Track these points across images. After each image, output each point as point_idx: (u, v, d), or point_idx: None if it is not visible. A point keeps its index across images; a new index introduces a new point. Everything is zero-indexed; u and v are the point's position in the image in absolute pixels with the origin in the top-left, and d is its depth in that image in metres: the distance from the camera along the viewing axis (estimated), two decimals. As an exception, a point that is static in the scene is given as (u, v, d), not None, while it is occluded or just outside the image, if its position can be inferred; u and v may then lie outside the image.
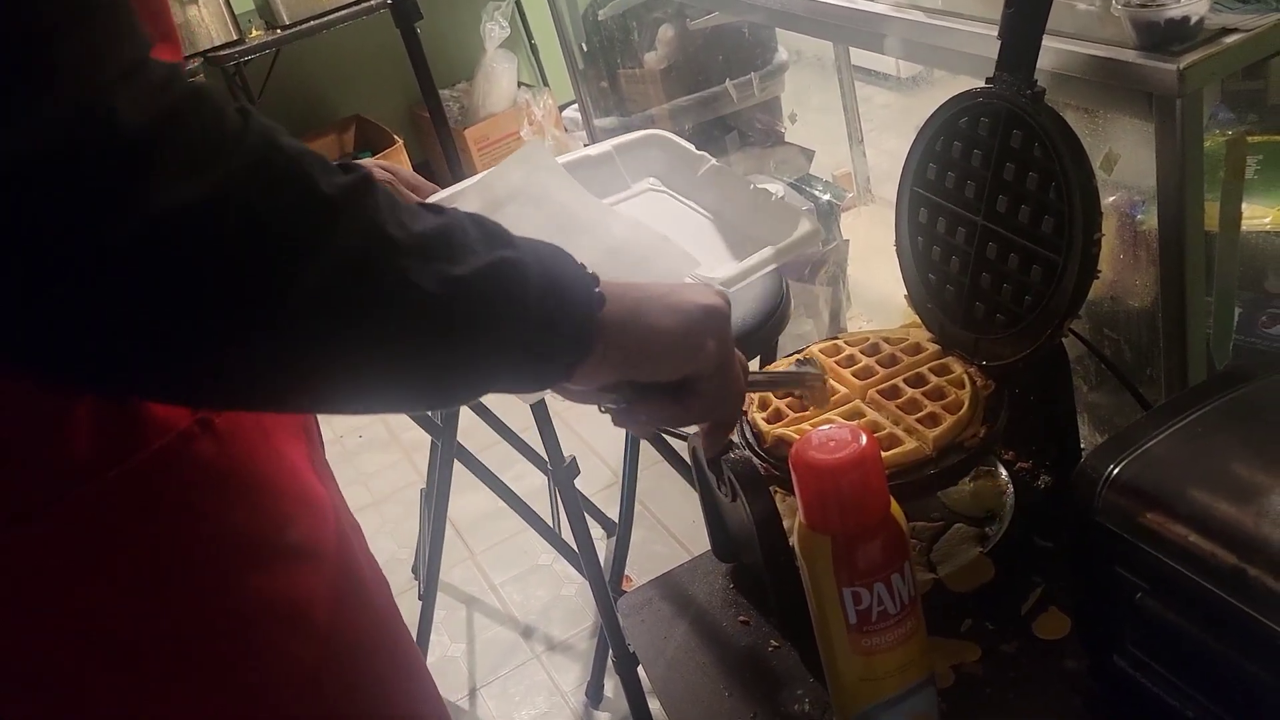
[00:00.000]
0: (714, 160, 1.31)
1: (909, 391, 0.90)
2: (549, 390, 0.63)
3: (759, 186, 1.20)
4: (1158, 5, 0.82)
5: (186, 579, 0.64)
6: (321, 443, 0.87)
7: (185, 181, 0.43)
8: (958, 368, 0.92)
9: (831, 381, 0.93)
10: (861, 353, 0.96)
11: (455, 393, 0.59)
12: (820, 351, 0.97)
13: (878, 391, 0.91)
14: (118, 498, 0.60)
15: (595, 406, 0.71)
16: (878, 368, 0.94)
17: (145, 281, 0.44)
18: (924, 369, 0.92)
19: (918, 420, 0.87)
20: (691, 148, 1.34)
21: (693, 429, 0.92)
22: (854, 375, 0.94)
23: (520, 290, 0.56)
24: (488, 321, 0.55)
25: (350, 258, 0.48)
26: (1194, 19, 0.82)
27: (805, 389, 0.89)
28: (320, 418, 0.81)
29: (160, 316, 0.45)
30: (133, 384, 0.50)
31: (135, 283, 0.44)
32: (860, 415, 0.89)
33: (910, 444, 0.84)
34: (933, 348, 0.95)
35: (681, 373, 0.65)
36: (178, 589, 0.64)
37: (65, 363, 0.47)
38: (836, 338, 0.99)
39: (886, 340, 0.97)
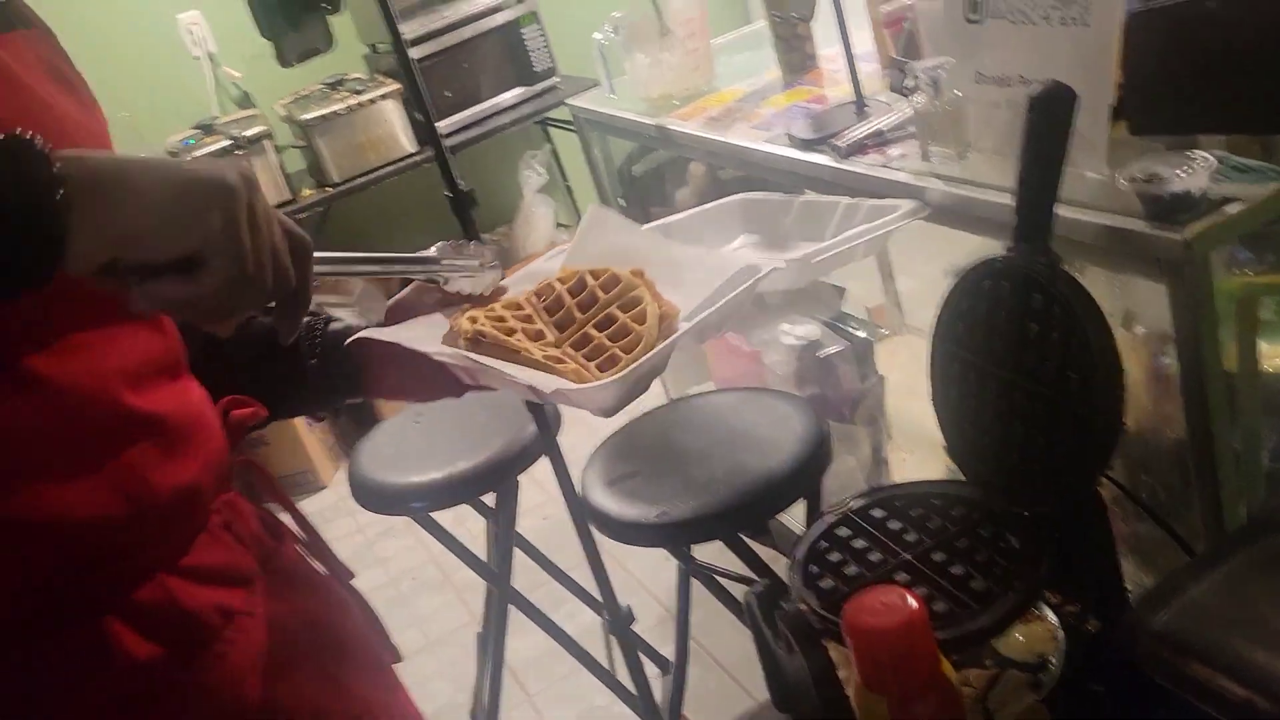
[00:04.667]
0: (802, 197, 1.21)
1: (597, 336, 0.92)
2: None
3: (848, 201, 1.14)
4: (1161, 180, 0.88)
5: None
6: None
7: None
8: (646, 296, 0.92)
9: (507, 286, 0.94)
10: (569, 291, 0.98)
11: None
12: (535, 293, 0.99)
13: (570, 345, 0.93)
14: None
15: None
16: (577, 314, 0.96)
17: None
18: (613, 308, 0.94)
19: (598, 365, 0.89)
20: (776, 196, 1.23)
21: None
22: (556, 325, 0.95)
23: None
24: None
25: None
26: (1196, 192, 0.88)
27: (446, 278, 0.89)
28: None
29: None
30: None
31: None
32: None
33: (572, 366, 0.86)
34: (627, 277, 0.95)
35: (181, 248, 0.59)
36: None
37: None
38: (550, 280, 1.01)
39: (593, 274, 0.98)
